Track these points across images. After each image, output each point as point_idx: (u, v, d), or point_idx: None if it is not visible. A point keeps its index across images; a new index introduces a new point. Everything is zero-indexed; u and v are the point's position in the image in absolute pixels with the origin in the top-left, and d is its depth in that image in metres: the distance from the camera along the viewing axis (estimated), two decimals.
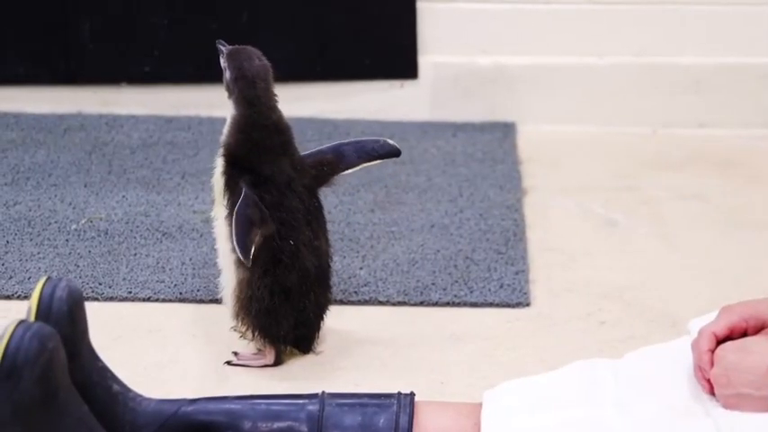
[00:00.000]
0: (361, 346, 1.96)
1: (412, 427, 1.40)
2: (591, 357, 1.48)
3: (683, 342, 1.41)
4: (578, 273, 2.18)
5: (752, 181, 2.55)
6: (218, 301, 2.02)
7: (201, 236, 2.25)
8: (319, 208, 1.88)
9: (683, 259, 2.23)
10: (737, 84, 2.76)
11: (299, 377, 1.86)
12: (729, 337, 1.33)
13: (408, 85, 2.76)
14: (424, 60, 2.76)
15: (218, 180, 1.86)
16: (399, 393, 1.47)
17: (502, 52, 2.77)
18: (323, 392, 1.48)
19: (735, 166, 2.61)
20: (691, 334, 1.40)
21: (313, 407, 1.43)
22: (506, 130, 2.71)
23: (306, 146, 2.62)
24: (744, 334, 1.33)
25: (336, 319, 2.02)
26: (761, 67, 2.76)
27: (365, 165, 1.91)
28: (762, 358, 1.25)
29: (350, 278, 2.13)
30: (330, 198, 2.40)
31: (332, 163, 1.90)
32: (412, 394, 1.44)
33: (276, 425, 1.42)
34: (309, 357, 1.92)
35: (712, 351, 1.32)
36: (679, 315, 2.01)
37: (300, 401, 1.45)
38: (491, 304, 2.06)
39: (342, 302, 2.06)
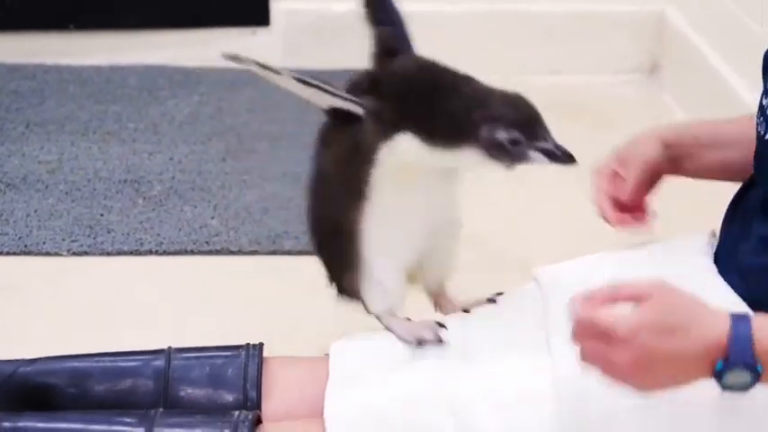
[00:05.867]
0: (213, 297, 1.93)
1: (261, 376, 1.37)
2: None
3: (530, 289, 1.43)
4: None
5: (603, 126, 2.57)
6: (62, 254, 1.98)
7: (47, 187, 2.19)
8: None
9: (535, 204, 2.25)
10: (589, 31, 2.79)
11: (144, 332, 1.82)
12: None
13: (261, 32, 2.72)
14: (277, 7, 2.72)
15: None
16: (248, 344, 1.44)
17: None
18: (169, 347, 1.45)
19: (587, 112, 2.64)
20: (538, 281, 1.42)
21: (159, 362, 1.39)
22: None
23: (157, 94, 2.59)
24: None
25: (188, 270, 1.99)
26: (612, 15, 2.78)
27: None
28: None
29: (201, 228, 2.09)
30: (180, 147, 2.35)
31: None
32: (260, 344, 1.41)
33: (121, 382, 1.38)
34: (159, 309, 1.89)
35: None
36: (530, 260, 2.02)
37: (146, 357, 1.41)
38: None
39: (193, 252, 2.04)
